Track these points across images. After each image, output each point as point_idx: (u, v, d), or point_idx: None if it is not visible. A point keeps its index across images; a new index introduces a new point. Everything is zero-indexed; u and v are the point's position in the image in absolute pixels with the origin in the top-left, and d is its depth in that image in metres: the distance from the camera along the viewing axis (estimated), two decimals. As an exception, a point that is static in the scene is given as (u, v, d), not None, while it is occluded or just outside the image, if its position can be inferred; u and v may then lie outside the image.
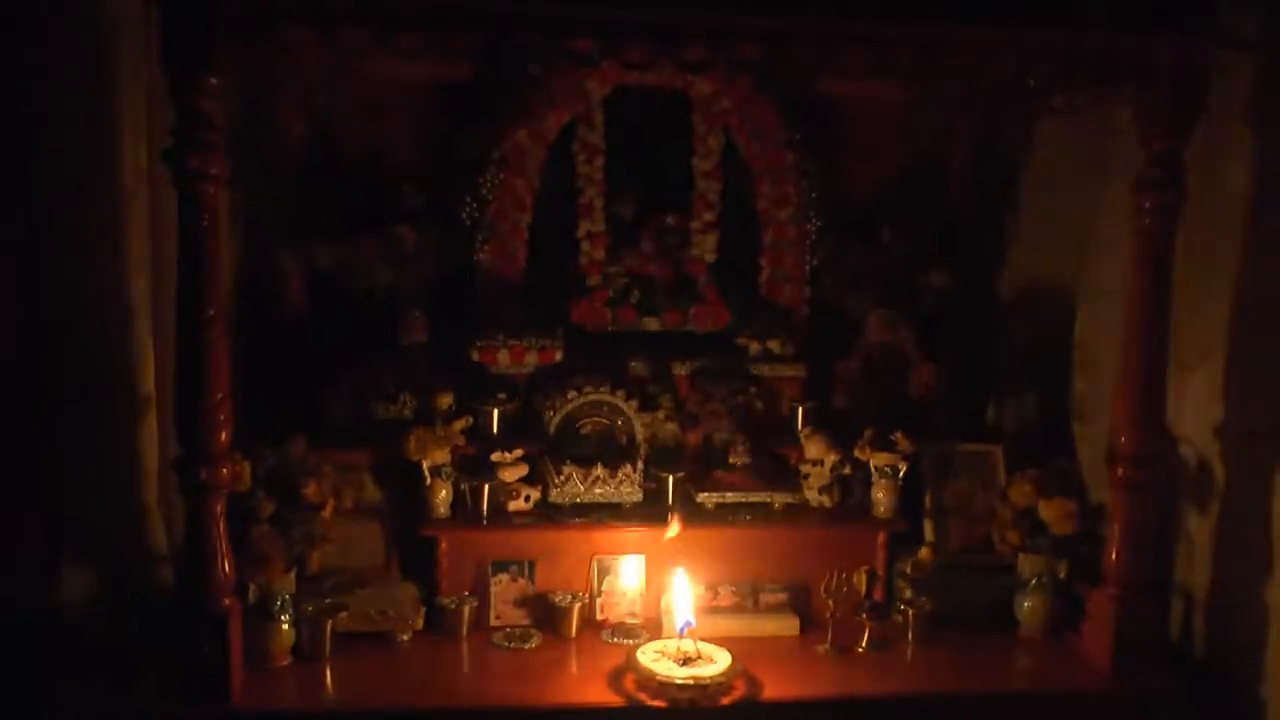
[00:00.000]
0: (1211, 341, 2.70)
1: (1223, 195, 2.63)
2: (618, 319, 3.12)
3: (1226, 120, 2.58)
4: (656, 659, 2.50)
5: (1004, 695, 2.60)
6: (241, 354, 2.65)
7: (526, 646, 2.68)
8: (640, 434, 2.92)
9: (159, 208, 2.53)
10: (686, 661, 2.50)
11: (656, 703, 2.43)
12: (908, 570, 2.86)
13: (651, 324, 3.14)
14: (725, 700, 2.44)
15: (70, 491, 2.53)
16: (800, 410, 3.05)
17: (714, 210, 3.15)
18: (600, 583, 2.81)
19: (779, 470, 2.99)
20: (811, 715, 2.48)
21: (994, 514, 2.92)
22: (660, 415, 3.00)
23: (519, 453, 2.84)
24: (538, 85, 2.98)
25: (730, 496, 2.89)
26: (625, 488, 2.85)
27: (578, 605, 2.74)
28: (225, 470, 2.34)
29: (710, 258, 3.16)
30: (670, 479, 2.89)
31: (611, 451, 2.90)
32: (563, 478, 2.83)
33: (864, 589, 2.74)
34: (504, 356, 3.00)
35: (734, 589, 2.81)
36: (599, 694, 2.47)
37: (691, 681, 2.43)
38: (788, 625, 2.77)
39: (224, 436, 2.32)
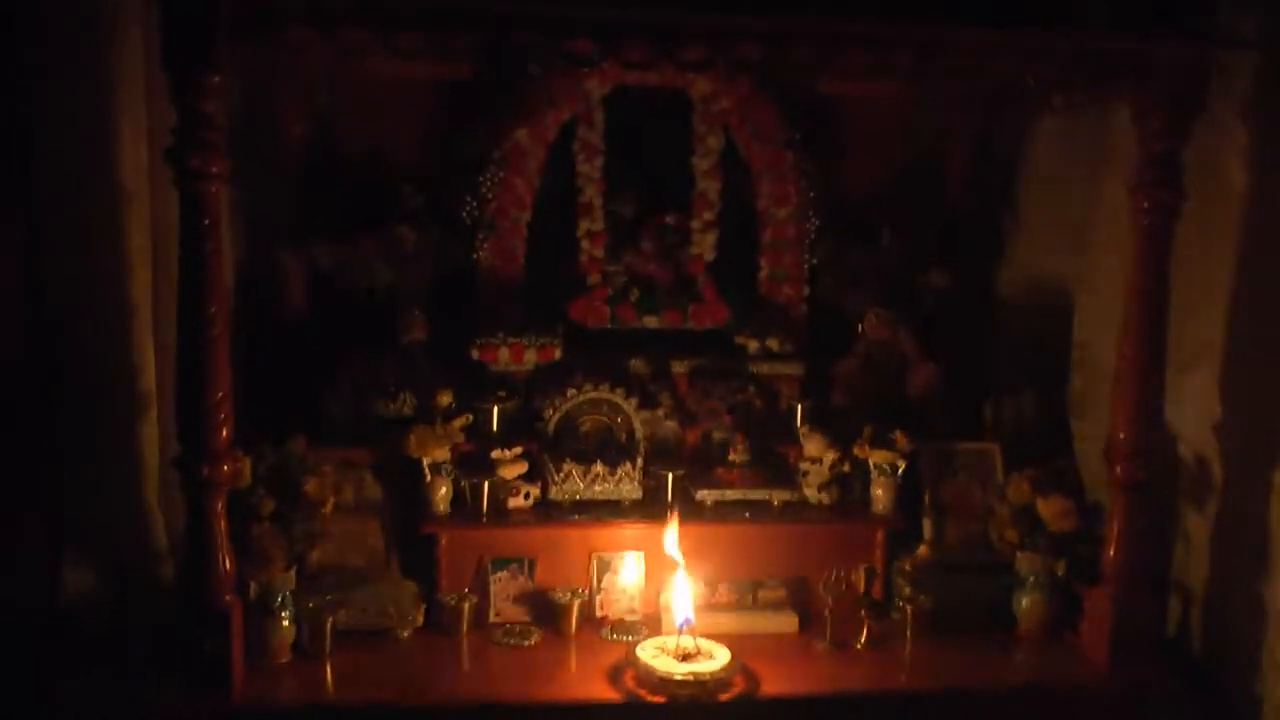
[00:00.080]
0: (1210, 340, 2.70)
1: (1222, 195, 2.64)
2: (617, 317, 3.13)
3: (1226, 120, 2.58)
4: (656, 655, 2.51)
5: (1002, 692, 2.60)
6: (242, 353, 2.65)
7: (526, 643, 2.69)
8: (640, 432, 2.92)
9: (159, 206, 2.53)
10: (686, 658, 2.50)
11: (656, 698, 2.43)
12: (906, 568, 2.86)
13: (651, 322, 3.14)
14: (724, 696, 2.45)
15: (70, 490, 2.54)
16: (799, 408, 3.06)
17: (713, 209, 3.15)
18: (600, 579, 2.82)
19: (778, 468, 2.99)
20: (810, 711, 2.49)
21: (992, 512, 2.92)
22: (660, 413, 3.00)
23: (519, 450, 2.85)
24: (538, 85, 2.98)
25: (729, 494, 2.90)
26: (625, 485, 2.86)
27: (577, 602, 2.74)
28: (226, 467, 2.35)
29: (709, 256, 3.17)
30: (669, 476, 2.90)
31: (611, 449, 2.90)
32: (562, 475, 2.84)
33: (862, 586, 2.74)
34: (504, 355, 3.00)
35: (733, 586, 2.82)
36: (599, 690, 2.48)
37: (691, 678, 2.43)
38: (787, 622, 2.78)
39: (225, 434, 2.33)
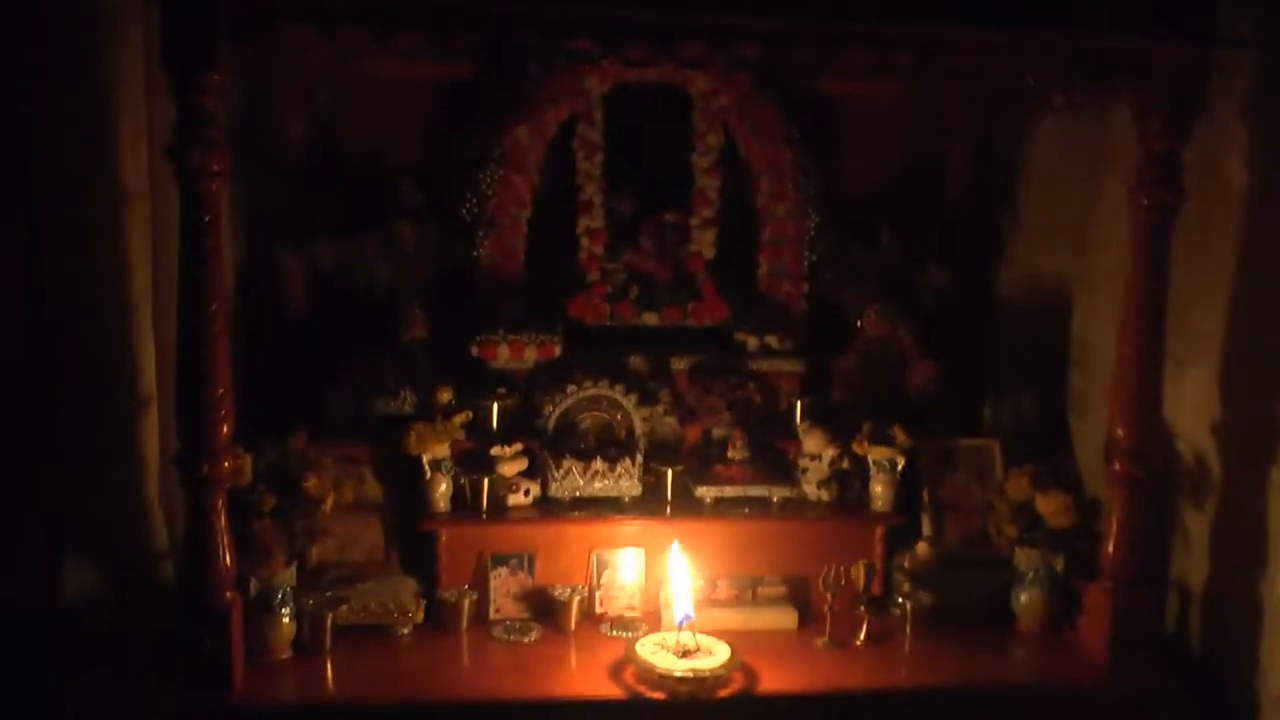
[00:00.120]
0: (1209, 338, 2.71)
1: (1222, 195, 2.64)
2: (617, 314, 3.13)
3: (1226, 120, 2.58)
4: (656, 651, 2.51)
5: (1001, 689, 2.61)
6: (242, 350, 2.65)
7: (526, 640, 2.70)
8: (639, 428, 2.93)
9: (160, 206, 2.53)
10: (686, 654, 2.51)
11: (656, 695, 2.44)
12: (905, 564, 2.87)
13: (650, 319, 3.14)
14: (724, 693, 2.45)
15: (71, 489, 2.54)
16: (798, 405, 3.07)
17: (713, 207, 3.15)
18: (599, 576, 2.82)
19: (777, 465, 3.00)
20: (809, 708, 2.50)
21: (991, 508, 2.93)
22: (659, 410, 3.01)
23: (518, 447, 2.85)
24: (537, 83, 2.98)
25: (729, 491, 2.91)
26: (624, 482, 2.86)
27: (577, 598, 2.75)
28: (226, 464, 2.35)
29: (709, 254, 3.17)
30: (669, 473, 2.91)
31: (611, 446, 2.91)
32: (562, 472, 2.85)
33: (862, 583, 2.74)
34: (504, 352, 3.01)
35: (733, 582, 2.83)
36: (599, 686, 2.49)
37: (691, 674, 2.44)
38: (786, 618, 2.79)
39: (225, 431, 2.33)
